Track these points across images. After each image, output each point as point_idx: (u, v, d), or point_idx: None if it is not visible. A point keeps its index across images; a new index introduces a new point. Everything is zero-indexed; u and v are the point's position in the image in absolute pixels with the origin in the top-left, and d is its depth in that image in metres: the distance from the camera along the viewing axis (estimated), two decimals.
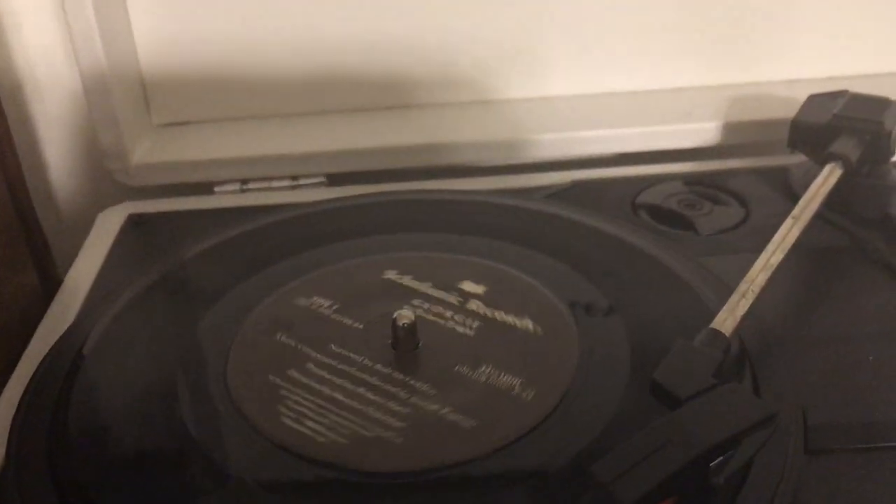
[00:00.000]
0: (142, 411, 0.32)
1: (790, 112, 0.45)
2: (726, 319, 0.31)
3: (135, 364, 0.34)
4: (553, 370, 0.32)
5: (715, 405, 0.26)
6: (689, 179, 0.47)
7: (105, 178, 0.51)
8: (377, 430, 0.30)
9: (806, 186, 0.39)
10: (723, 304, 0.32)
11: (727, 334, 0.30)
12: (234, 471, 0.28)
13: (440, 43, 0.52)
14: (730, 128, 0.50)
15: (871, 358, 0.34)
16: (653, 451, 0.24)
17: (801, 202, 0.38)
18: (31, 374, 0.34)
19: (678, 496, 0.24)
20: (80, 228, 0.48)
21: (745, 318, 0.31)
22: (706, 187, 0.46)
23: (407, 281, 0.37)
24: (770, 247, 0.35)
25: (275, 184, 0.50)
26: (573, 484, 0.27)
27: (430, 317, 0.35)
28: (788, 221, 0.36)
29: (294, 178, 0.51)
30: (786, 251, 0.34)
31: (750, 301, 0.32)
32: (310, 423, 0.30)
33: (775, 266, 0.34)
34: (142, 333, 0.36)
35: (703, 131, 0.51)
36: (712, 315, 0.31)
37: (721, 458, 0.25)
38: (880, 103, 0.44)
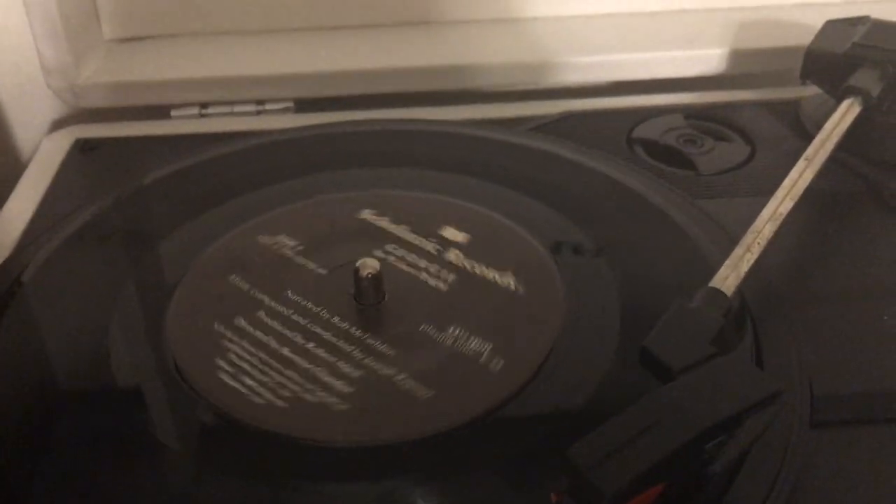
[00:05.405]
0: (70, 357, 0.30)
1: (804, 39, 0.43)
2: (728, 276, 0.28)
3: (72, 303, 0.32)
4: (530, 337, 0.29)
5: (713, 379, 0.23)
6: (690, 112, 0.45)
7: (50, 98, 0.48)
8: (321, 395, 0.27)
9: (819, 123, 0.38)
10: (723, 254, 0.30)
11: (728, 294, 0.27)
12: (155, 428, 0.27)
13: None
14: (736, 55, 0.48)
15: (885, 318, 0.31)
16: (640, 433, 0.22)
17: (815, 142, 0.35)
18: None
19: (668, 483, 0.22)
20: (23, 154, 0.46)
21: (748, 274, 0.29)
22: (708, 121, 0.44)
23: (383, 223, 0.35)
24: (779, 193, 0.32)
25: (237, 108, 0.48)
26: (530, 474, 0.25)
27: (403, 266, 0.33)
28: (800, 164, 0.34)
29: (259, 102, 0.48)
30: (796, 199, 0.32)
31: (755, 255, 0.29)
32: (248, 381, 0.28)
33: (784, 215, 0.31)
34: (83, 270, 0.34)
35: (706, 58, 0.48)
36: (711, 266, 0.29)
37: (718, 439, 0.22)
38: None
